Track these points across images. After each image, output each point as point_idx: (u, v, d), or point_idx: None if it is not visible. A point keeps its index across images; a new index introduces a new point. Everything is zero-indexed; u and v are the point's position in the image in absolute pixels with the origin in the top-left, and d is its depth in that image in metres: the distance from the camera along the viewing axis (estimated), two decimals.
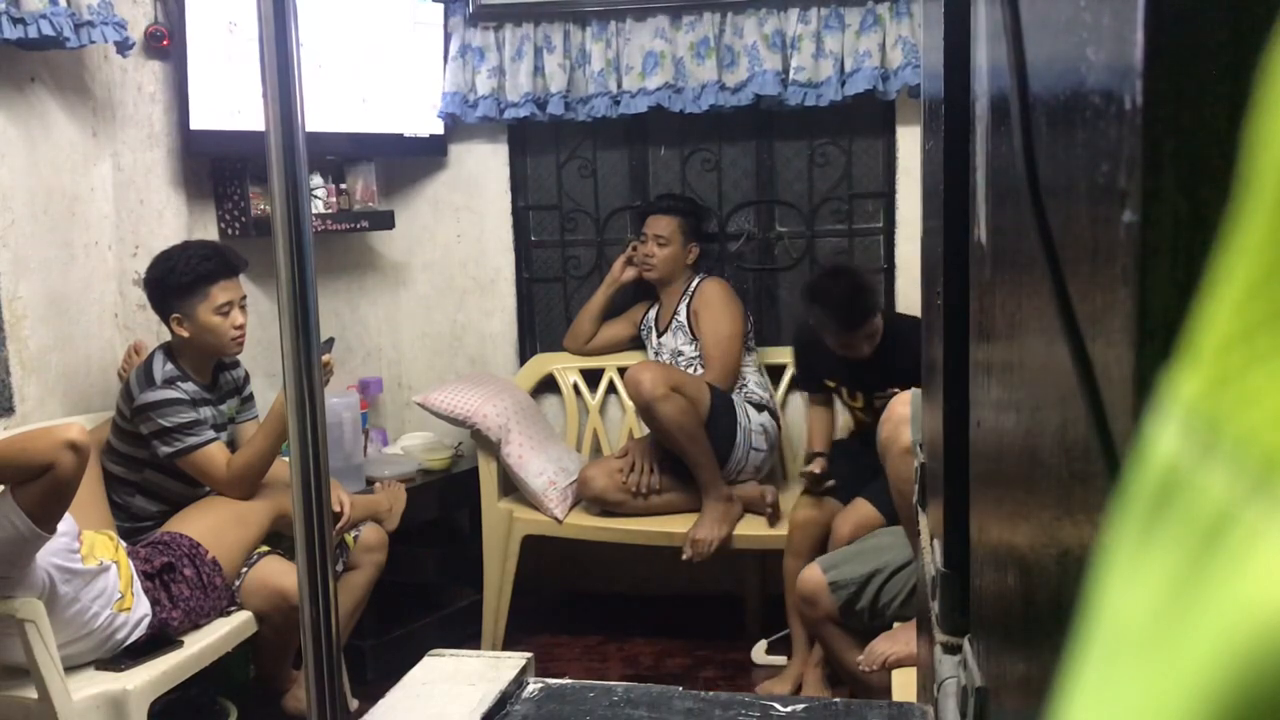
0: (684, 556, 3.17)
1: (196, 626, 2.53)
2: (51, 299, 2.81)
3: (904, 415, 1.97)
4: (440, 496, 3.47)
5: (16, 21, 2.53)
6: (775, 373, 3.58)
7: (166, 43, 3.03)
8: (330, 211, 3.46)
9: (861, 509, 2.92)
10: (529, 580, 3.48)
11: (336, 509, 2.70)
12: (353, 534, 2.91)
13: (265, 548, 2.75)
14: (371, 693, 2.30)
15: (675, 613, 3.60)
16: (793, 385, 3.53)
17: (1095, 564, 0.21)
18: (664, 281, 3.51)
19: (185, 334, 2.69)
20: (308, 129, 1.40)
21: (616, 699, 1.54)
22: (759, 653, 3.31)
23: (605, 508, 3.30)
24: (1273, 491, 0.16)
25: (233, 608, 2.65)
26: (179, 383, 2.69)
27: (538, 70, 3.56)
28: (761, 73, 3.39)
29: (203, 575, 2.54)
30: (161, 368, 2.70)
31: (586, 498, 3.33)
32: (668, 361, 3.44)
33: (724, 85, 3.44)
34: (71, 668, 2.27)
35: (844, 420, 3.33)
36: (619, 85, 3.51)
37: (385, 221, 3.65)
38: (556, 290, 3.85)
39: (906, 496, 1.91)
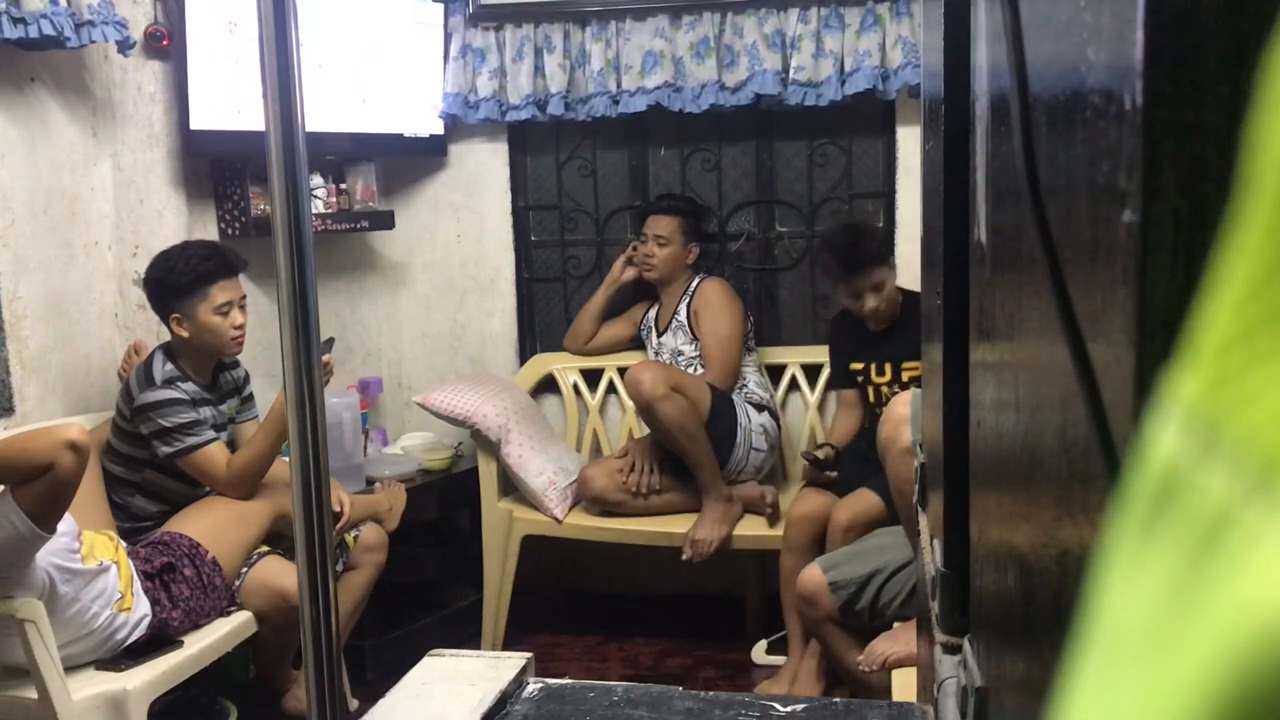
0: (684, 556, 3.17)
1: (196, 626, 2.54)
2: (51, 299, 2.81)
3: (904, 415, 1.97)
4: (440, 496, 3.47)
5: (16, 21, 2.53)
6: (775, 373, 3.58)
7: (166, 43, 3.03)
8: (330, 211, 3.46)
9: (864, 498, 2.92)
10: (529, 580, 3.48)
11: (336, 509, 2.70)
12: (353, 534, 2.91)
13: (265, 548, 2.75)
14: (371, 693, 2.30)
15: (675, 613, 3.60)
16: (827, 385, 3.48)
17: (1095, 564, 0.21)
18: (664, 281, 3.51)
19: (185, 334, 2.69)
20: (308, 129, 1.40)
21: (616, 699, 1.54)
22: (759, 653, 3.31)
23: (605, 508, 3.30)
24: (1273, 491, 0.16)
25: (233, 608, 2.65)
26: (179, 383, 2.69)
27: (538, 70, 3.56)
28: (761, 72, 3.39)
29: (203, 575, 2.54)
30: (161, 368, 2.70)
31: (586, 498, 3.33)
32: (668, 361, 3.44)
33: (724, 85, 3.44)
34: (71, 668, 2.27)
35: (857, 417, 3.30)
36: (618, 85, 3.51)
37: (385, 221, 3.65)
38: (556, 290, 3.85)
39: (906, 496, 1.91)
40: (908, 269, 3.45)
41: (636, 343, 3.65)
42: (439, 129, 3.68)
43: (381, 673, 3.04)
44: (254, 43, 1.39)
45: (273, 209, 1.39)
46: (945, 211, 1.12)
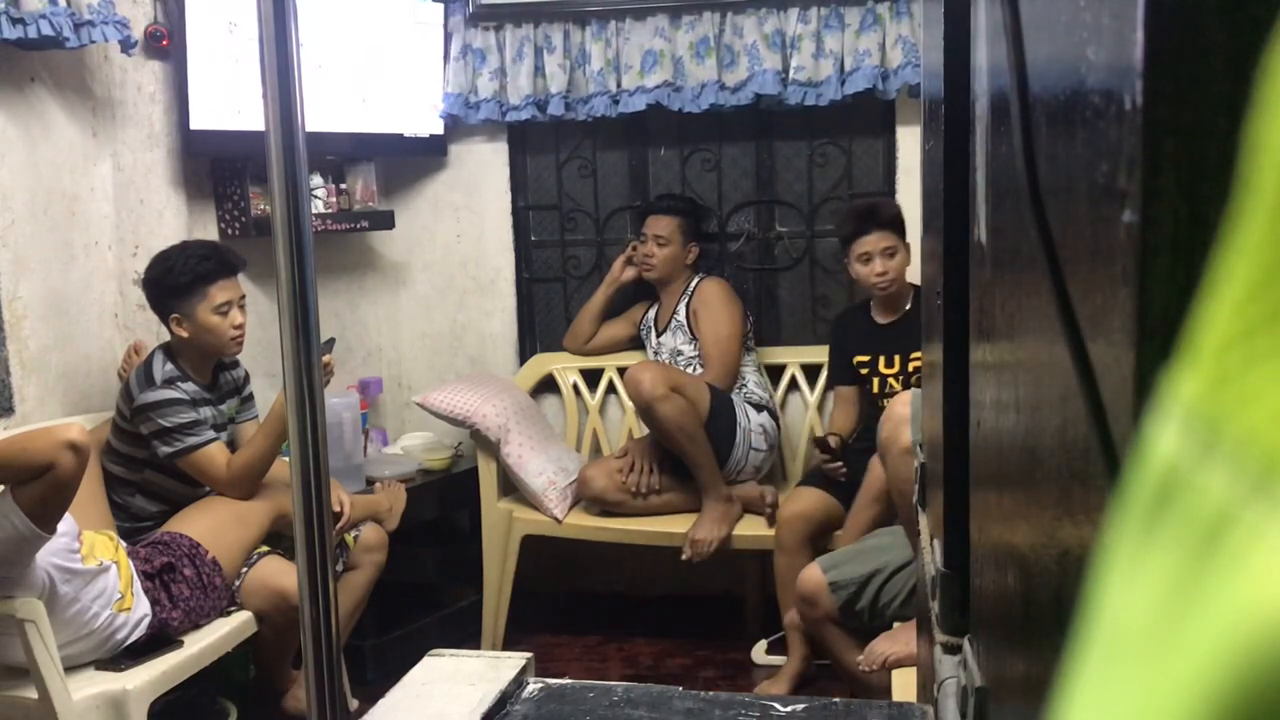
0: (683, 556, 3.17)
1: (196, 626, 2.53)
2: (51, 299, 2.81)
3: (904, 415, 1.98)
4: (440, 496, 3.47)
5: (16, 21, 2.53)
6: (775, 373, 3.58)
7: (166, 43, 3.03)
8: (330, 211, 3.46)
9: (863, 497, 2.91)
10: (529, 580, 3.48)
11: (336, 509, 2.70)
12: (353, 534, 2.91)
13: (265, 548, 2.75)
14: (371, 693, 2.31)
15: (675, 613, 3.60)
16: (827, 381, 3.46)
17: (1095, 564, 0.21)
18: (664, 281, 3.51)
19: (185, 334, 2.69)
20: (308, 129, 1.40)
21: (616, 699, 1.53)
22: (759, 653, 3.31)
23: (605, 508, 3.30)
24: (1273, 491, 0.16)
25: (233, 608, 2.65)
26: (179, 383, 2.69)
27: (538, 71, 3.56)
28: (761, 72, 3.39)
29: (203, 575, 2.54)
30: (161, 368, 2.70)
31: (586, 498, 3.33)
32: (667, 361, 3.44)
33: (724, 85, 3.44)
34: (71, 668, 2.27)
35: (855, 414, 3.29)
36: (618, 85, 3.51)
37: (385, 221, 3.65)
38: (556, 290, 3.85)
39: (906, 496, 1.91)
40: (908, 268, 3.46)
41: (636, 343, 3.65)
42: (439, 129, 3.68)
43: (381, 673, 3.04)
44: (254, 43, 1.39)
45: (273, 209, 1.39)
46: (945, 211, 1.12)
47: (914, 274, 3.12)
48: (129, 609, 2.38)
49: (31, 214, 2.75)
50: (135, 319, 3.03)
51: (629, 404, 3.46)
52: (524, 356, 3.82)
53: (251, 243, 3.13)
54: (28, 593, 2.15)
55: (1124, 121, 0.38)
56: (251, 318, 2.84)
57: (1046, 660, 0.56)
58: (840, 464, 3.07)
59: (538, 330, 3.87)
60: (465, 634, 3.40)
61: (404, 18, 3.53)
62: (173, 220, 3.12)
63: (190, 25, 2.98)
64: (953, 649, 1.11)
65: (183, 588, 2.50)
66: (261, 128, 1.37)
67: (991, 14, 0.74)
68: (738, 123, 3.61)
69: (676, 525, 3.22)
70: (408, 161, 3.76)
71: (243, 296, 2.75)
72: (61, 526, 2.18)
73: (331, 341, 2.92)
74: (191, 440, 2.66)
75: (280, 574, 2.64)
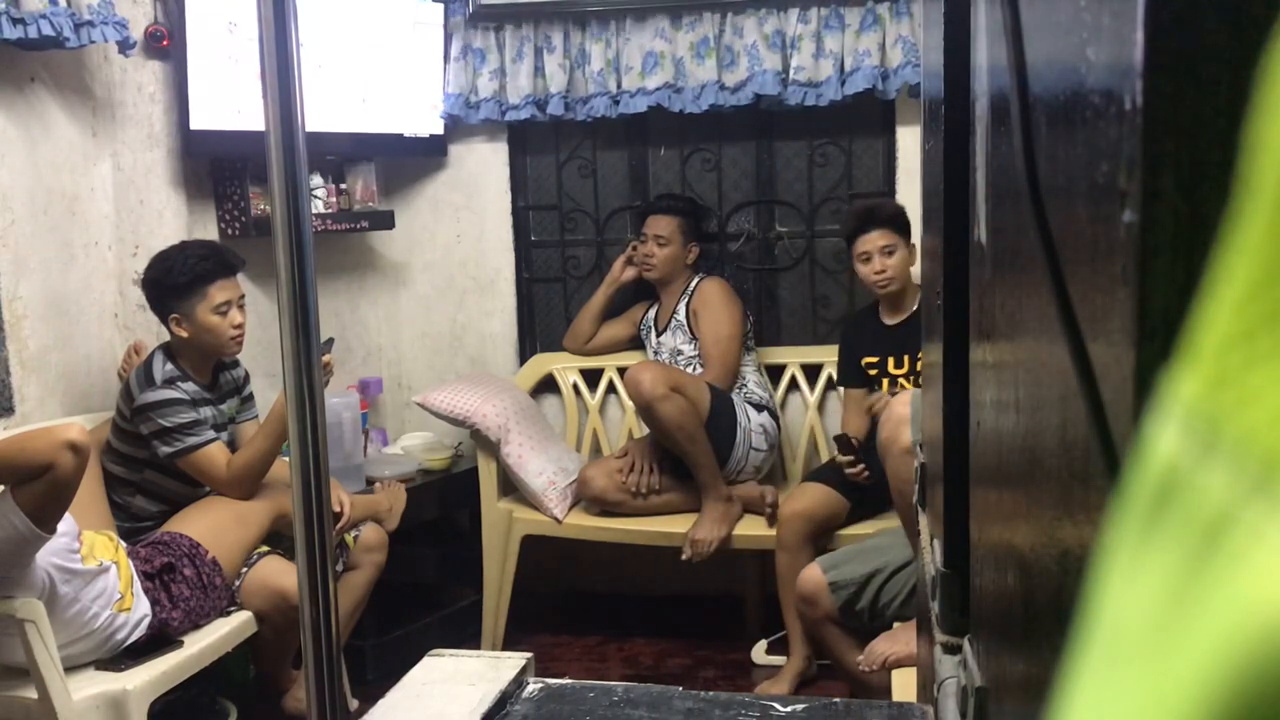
0: (683, 556, 3.17)
1: (196, 626, 2.53)
2: (51, 299, 2.81)
3: (904, 415, 1.97)
4: (440, 496, 3.47)
5: (16, 21, 2.53)
6: (775, 373, 3.58)
7: (166, 43, 3.03)
8: (330, 211, 3.46)
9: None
10: (529, 580, 3.48)
11: (336, 509, 2.70)
12: (353, 534, 2.91)
13: (265, 548, 2.75)
14: (371, 693, 2.31)
15: (675, 613, 3.60)
16: (836, 382, 3.45)
17: (1095, 564, 0.21)
18: (664, 281, 3.51)
19: (184, 334, 2.69)
20: (308, 129, 1.40)
21: (616, 699, 1.53)
22: (759, 653, 3.31)
23: (605, 508, 3.30)
24: (1273, 491, 0.16)
25: (233, 608, 2.65)
26: (179, 383, 2.69)
27: (538, 71, 3.56)
28: (761, 72, 3.40)
29: (203, 575, 2.54)
30: (161, 368, 2.70)
31: (586, 498, 3.33)
32: (667, 360, 3.44)
33: (724, 85, 3.44)
34: (71, 668, 2.27)
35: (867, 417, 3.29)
36: (619, 85, 3.51)
37: (385, 221, 3.65)
38: (556, 290, 3.85)
39: (906, 496, 1.91)
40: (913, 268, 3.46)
41: (636, 343, 3.65)
42: (439, 129, 3.68)
43: (381, 673, 3.04)
44: (254, 43, 1.39)
45: (273, 209, 1.39)
46: (945, 211, 1.12)
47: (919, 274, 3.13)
48: (129, 609, 2.38)
49: (31, 214, 2.75)
50: (135, 319, 3.03)
51: (629, 404, 3.46)
52: (524, 356, 3.82)
53: (251, 243, 3.13)
54: (28, 593, 2.15)
55: (1124, 121, 0.38)
56: (251, 318, 2.84)
57: (1046, 660, 0.56)
58: (863, 466, 3.03)
59: (538, 330, 3.87)
60: (465, 634, 3.40)
61: (404, 18, 3.53)
62: (173, 220, 3.12)
63: (190, 25, 2.98)
64: (953, 649, 1.11)
65: (183, 588, 2.50)
66: (261, 128, 1.37)
67: (991, 14, 0.74)
68: (738, 123, 3.61)
69: (676, 525, 3.22)
70: (408, 161, 3.76)
71: (242, 296, 2.75)
72: (61, 526, 2.18)
73: (331, 341, 2.92)
74: (192, 440, 2.66)
75: (280, 574, 2.64)
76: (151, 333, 2.97)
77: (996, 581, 0.80)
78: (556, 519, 3.32)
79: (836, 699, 1.59)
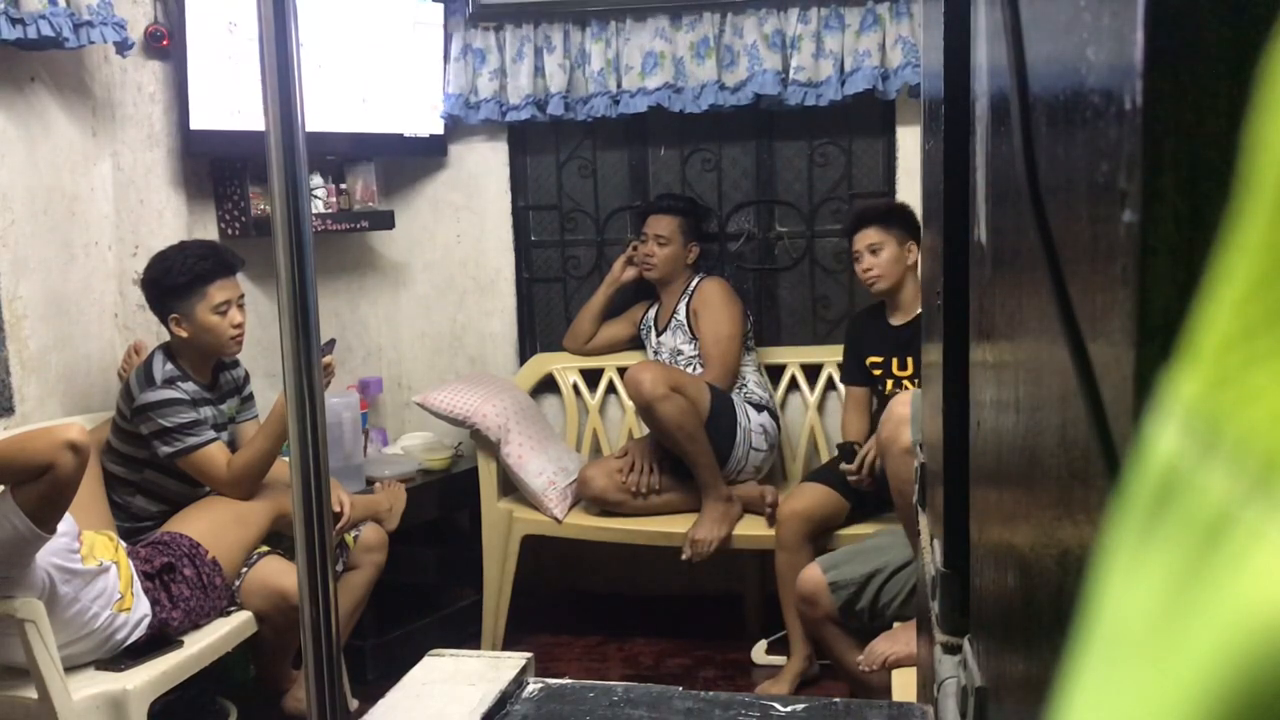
0: (683, 556, 3.17)
1: (196, 626, 2.53)
2: (51, 299, 2.81)
3: (904, 415, 1.98)
4: (440, 496, 3.47)
5: (16, 22, 2.53)
6: (775, 373, 3.58)
7: (166, 43, 3.03)
8: (330, 211, 3.46)
9: None
10: (529, 580, 3.48)
11: (336, 509, 2.70)
12: (353, 534, 2.91)
13: (265, 548, 2.75)
14: (371, 693, 2.31)
15: (675, 613, 3.60)
16: (841, 379, 3.44)
17: (1095, 564, 0.21)
18: (664, 281, 3.51)
19: (184, 334, 2.69)
20: (308, 129, 1.40)
21: (616, 699, 1.53)
22: (759, 653, 3.31)
23: (605, 508, 3.30)
24: (1273, 491, 0.16)
25: (233, 608, 2.65)
26: (179, 383, 2.69)
27: (538, 71, 3.56)
28: (761, 72, 3.40)
29: (203, 575, 2.54)
30: (161, 368, 2.70)
31: (586, 498, 3.33)
32: (667, 360, 3.44)
33: (724, 85, 3.44)
34: (71, 668, 2.27)
35: (868, 417, 3.29)
36: (619, 85, 3.51)
37: (385, 221, 3.65)
38: (556, 290, 3.85)
39: (906, 496, 1.91)
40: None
41: (636, 342, 3.66)
42: (439, 129, 3.68)
43: (381, 673, 3.04)
44: (254, 43, 1.39)
45: (273, 209, 1.39)
46: (945, 211, 1.12)
47: None
48: (129, 609, 2.38)
49: (31, 214, 2.75)
50: (135, 319, 3.03)
51: (629, 404, 3.46)
52: (524, 356, 3.82)
53: (251, 243, 3.13)
54: (28, 593, 2.15)
55: (1124, 121, 0.38)
56: (251, 318, 2.84)
57: (1046, 660, 0.56)
58: (866, 474, 3.04)
59: (538, 330, 3.87)
60: (465, 634, 3.40)
61: (404, 18, 3.53)
62: (173, 220, 3.12)
63: (190, 25, 2.98)
64: (953, 649, 1.11)
65: (183, 588, 2.50)
66: (261, 128, 1.37)
67: (991, 14, 0.74)
68: (738, 123, 3.61)
69: (676, 525, 3.22)
70: (408, 161, 3.76)
71: (241, 296, 2.75)
72: (61, 526, 2.18)
73: (332, 342, 2.92)
74: (192, 440, 2.66)
75: (280, 574, 2.64)
76: (151, 333, 2.97)
77: (996, 581, 0.80)
78: (556, 519, 3.32)
79: (836, 699, 1.59)
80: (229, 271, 2.72)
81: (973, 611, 0.99)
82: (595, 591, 3.80)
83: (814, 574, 2.70)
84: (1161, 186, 0.36)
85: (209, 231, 3.22)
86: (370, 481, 3.26)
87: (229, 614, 2.63)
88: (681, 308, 3.46)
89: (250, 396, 2.97)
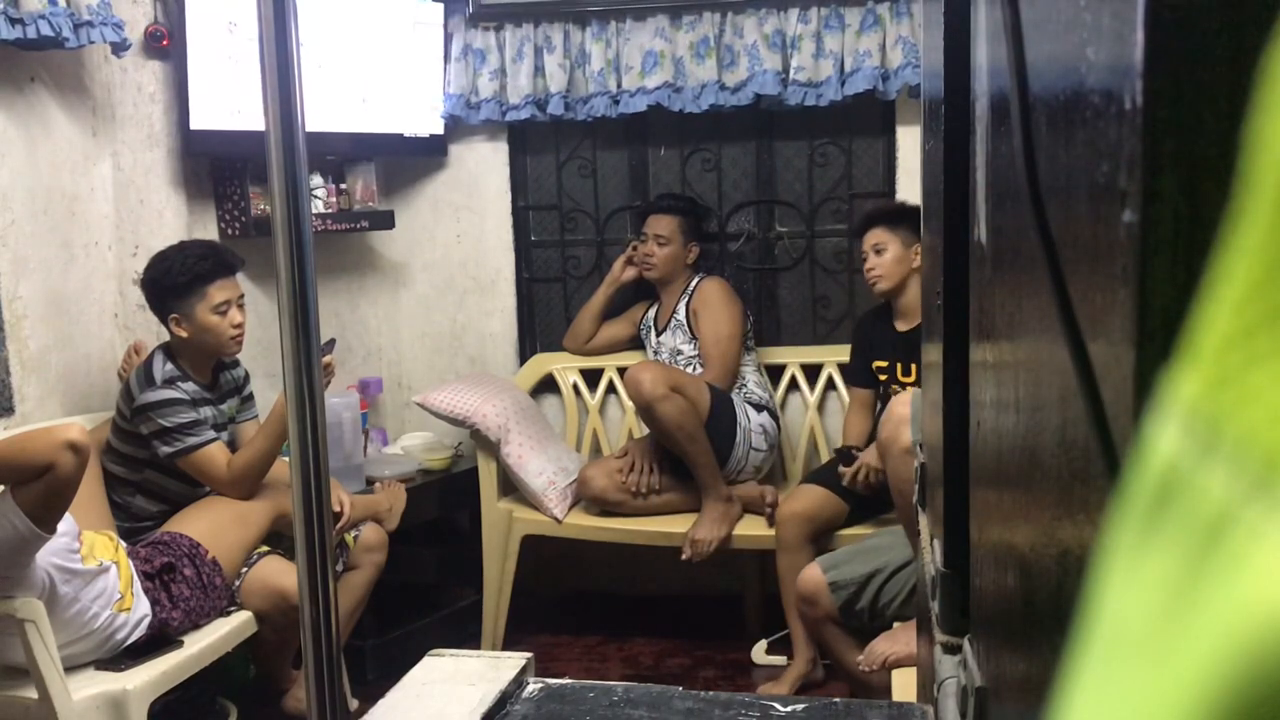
0: (683, 556, 3.17)
1: (196, 626, 2.53)
2: (51, 299, 2.81)
3: (904, 415, 1.98)
4: (440, 496, 3.47)
5: (15, 22, 2.53)
6: (775, 373, 3.58)
7: (166, 43, 3.03)
8: (330, 211, 3.46)
9: None
10: (529, 580, 3.48)
11: (336, 509, 2.70)
12: (353, 534, 2.91)
13: (265, 548, 2.75)
14: (371, 693, 2.30)
15: (675, 613, 3.60)
16: (845, 380, 3.43)
17: (1095, 564, 0.21)
18: (664, 281, 3.51)
19: (184, 334, 2.69)
20: (308, 129, 1.40)
21: (616, 699, 1.53)
22: (759, 653, 3.31)
23: (605, 508, 3.30)
24: (1273, 491, 0.16)
25: (233, 608, 2.65)
26: (179, 383, 2.69)
27: (538, 71, 3.56)
28: (761, 72, 3.40)
29: (203, 575, 2.54)
30: (161, 368, 2.70)
31: (586, 498, 3.33)
32: (667, 360, 3.44)
33: (724, 85, 3.44)
34: (71, 668, 2.27)
35: (871, 419, 3.28)
36: (619, 85, 3.51)
37: (385, 221, 3.65)
38: (556, 290, 3.85)
39: (906, 496, 1.91)
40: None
41: (636, 342, 3.66)
42: (439, 129, 3.68)
43: (381, 673, 3.04)
44: (254, 43, 1.39)
45: (273, 209, 1.39)
46: (945, 211, 1.12)
47: None
48: (129, 609, 2.38)
49: (31, 214, 2.75)
50: (135, 319, 3.03)
51: (629, 404, 3.46)
52: (524, 356, 3.82)
53: (251, 243, 3.13)
54: (28, 593, 2.15)
55: (1124, 121, 0.38)
56: (251, 318, 2.84)
57: (1046, 660, 0.56)
58: (864, 480, 3.03)
59: (538, 330, 3.87)
60: (465, 634, 3.40)
61: (404, 18, 3.53)
62: (173, 220, 3.12)
63: (190, 25, 2.98)
64: (953, 649, 1.11)
65: (183, 588, 2.50)
66: (261, 128, 1.37)
67: (991, 14, 0.74)
68: (738, 123, 3.61)
69: (676, 525, 3.22)
70: (408, 161, 3.76)
71: (241, 296, 2.75)
72: (61, 526, 2.18)
73: (332, 342, 2.92)
74: (192, 440, 2.66)
75: (280, 574, 2.64)
76: (151, 333, 2.97)
77: (996, 581, 0.80)
78: (556, 519, 3.32)
79: (836, 699, 1.59)
80: (229, 271, 2.72)
81: (973, 611, 0.99)
82: (595, 591, 3.80)
83: (814, 574, 2.70)
84: (1161, 186, 0.36)
85: (209, 231, 3.22)
86: (370, 481, 3.26)
87: (229, 614, 2.63)
88: (681, 308, 3.46)
89: (250, 396, 2.97)
